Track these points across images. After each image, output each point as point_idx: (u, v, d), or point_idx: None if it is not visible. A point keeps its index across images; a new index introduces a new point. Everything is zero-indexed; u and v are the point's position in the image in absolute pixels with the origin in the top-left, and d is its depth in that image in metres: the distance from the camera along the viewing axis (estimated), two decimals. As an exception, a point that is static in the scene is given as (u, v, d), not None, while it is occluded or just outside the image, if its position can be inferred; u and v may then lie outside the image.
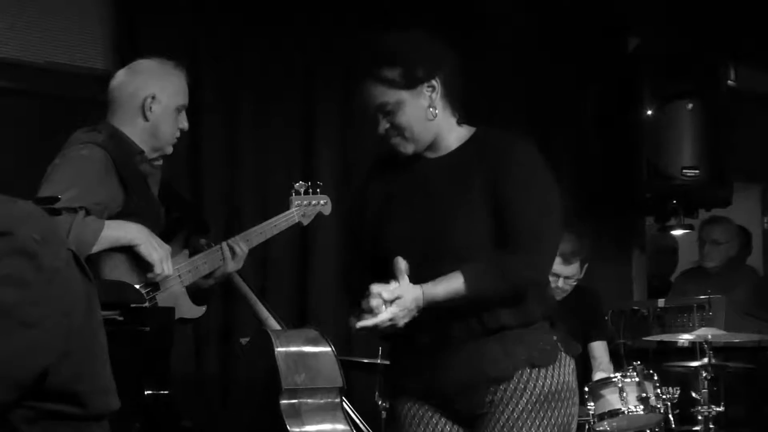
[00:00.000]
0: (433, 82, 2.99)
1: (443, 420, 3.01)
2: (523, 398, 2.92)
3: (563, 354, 3.01)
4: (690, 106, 6.37)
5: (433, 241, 2.93)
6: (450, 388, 2.96)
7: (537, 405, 2.92)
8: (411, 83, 2.97)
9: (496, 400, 2.93)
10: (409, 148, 3.02)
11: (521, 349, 2.93)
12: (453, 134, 3.06)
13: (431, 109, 2.99)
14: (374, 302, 2.84)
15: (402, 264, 2.86)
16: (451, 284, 2.86)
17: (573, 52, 6.73)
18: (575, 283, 5.44)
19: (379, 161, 3.19)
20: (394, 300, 2.84)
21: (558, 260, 5.34)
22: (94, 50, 5.27)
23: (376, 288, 2.85)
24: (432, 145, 3.05)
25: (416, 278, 2.88)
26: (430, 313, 2.88)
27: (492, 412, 2.93)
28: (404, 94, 2.97)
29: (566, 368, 3.01)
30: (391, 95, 2.97)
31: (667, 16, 6.66)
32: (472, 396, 2.95)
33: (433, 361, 2.97)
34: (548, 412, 2.93)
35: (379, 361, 4.73)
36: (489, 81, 6.38)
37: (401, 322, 2.86)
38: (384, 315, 2.84)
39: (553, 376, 2.96)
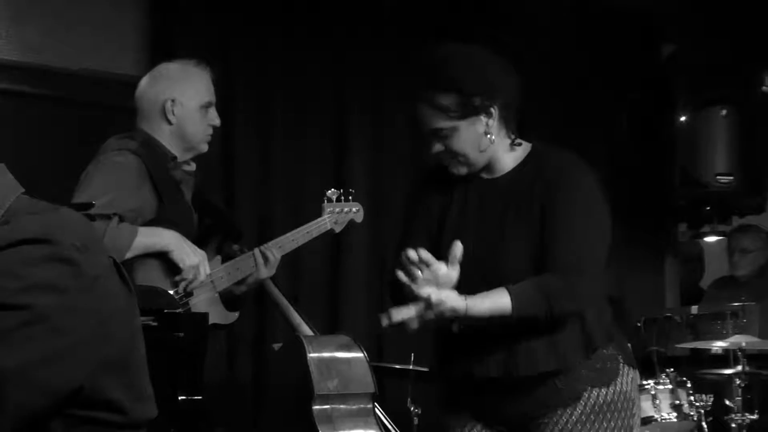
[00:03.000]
0: (491, 109, 2.91)
1: None
2: (577, 409, 2.88)
3: (623, 365, 2.95)
4: (724, 112, 6.34)
5: (484, 264, 2.87)
6: (511, 417, 2.93)
7: (592, 416, 2.87)
8: (467, 113, 2.89)
9: (549, 413, 2.90)
10: (462, 171, 2.97)
11: (582, 374, 2.89)
12: (509, 155, 2.98)
13: (488, 136, 2.92)
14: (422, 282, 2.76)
15: (458, 251, 2.77)
16: (497, 302, 2.78)
17: (608, 60, 6.72)
18: None
19: (435, 171, 3.08)
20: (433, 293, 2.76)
21: None
22: (129, 57, 5.31)
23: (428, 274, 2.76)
24: (488, 167, 2.99)
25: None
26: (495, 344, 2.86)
27: (545, 422, 2.89)
28: (459, 122, 2.89)
29: (625, 378, 2.94)
30: (445, 122, 2.89)
31: (702, 23, 6.63)
32: (529, 421, 2.93)
33: (496, 391, 2.92)
34: (603, 423, 2.88)
35: (411, 367, 4.73)
36: (525, 89, 6.37)
37: (428, 317, 2.77)
38: (411, 310, 2.76)
39: (608, 386, 2.91)
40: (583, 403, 2.88)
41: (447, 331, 2.90)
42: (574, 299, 2.83)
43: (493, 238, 2.90)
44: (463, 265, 2.81)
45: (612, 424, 2.89)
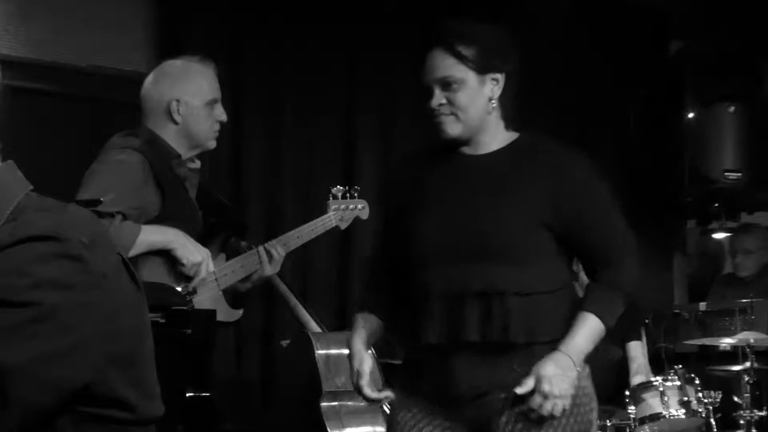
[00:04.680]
0: (500, 76, 2.96)
1: (453, 426, 2.92)
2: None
3: None
4: (732, 108, 6.34)
5: (470, 239, 2.87)
6: (464, 392, 2.87)
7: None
8: (482, 68, 2.93)
9: (507, 406, 2.84)
10: (455, 130, 2.95)
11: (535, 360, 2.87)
12: (498, 136, 3.00)
13: (491, 102, 2.96)
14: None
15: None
16: (590, 330, 2.87)
17: (617, 57, 6.72)
18: None
19: (413, 153, 3.15)
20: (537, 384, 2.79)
21: None
22: (138, 54, 5.33)
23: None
24: (473, 141, 2.98)
25: (441, 273, 2.86)
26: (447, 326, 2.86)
27: (503, 419, 2.84)
28: (471, 75, 2.92)
29: (582, 372, 2.93)
30: (459, 70, 2.91)
31: (710, 20, 6.62)
32: (483, 402, 2.87)
33: (448, 366, 2.89)
34: (563, 419, 2.84)
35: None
36: (534, 85, 6.38)
37: (564, 391, 2.81)
38: (536, 399, 2.79)
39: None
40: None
41: (423, 301, 2.90)
42: (634, 281, 2.99)
43: (483, 214, 2.89)
44: (443, 233, 2.88)
45: (572, 419, 2.87)
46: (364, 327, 3.04)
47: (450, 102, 2.93)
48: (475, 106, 2.94)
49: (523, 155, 2.98)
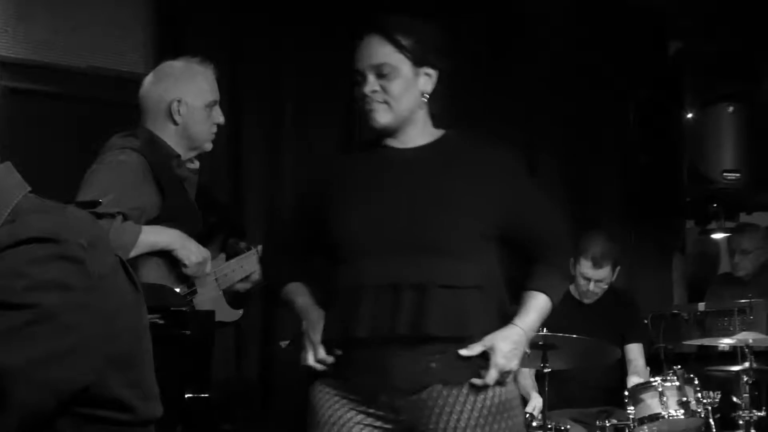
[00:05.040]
0: (433, 72, 2.95)
1: (384, 421, 2.88)
2: (476, 408, 2.83)
3: None
4: (731, 108, 6.33)
5: (409, 232, 2.84)
6: (398, 386, 2.84)
7: (489, 417, 2.84)
8: (418, 60, 2.91)
9: (440, 410, 2.82)
10: (385, 118, 2.92)
11: (467, 362, 2.87)
12: (425, 132, 2.99)
13: (423, 96, 2.95)
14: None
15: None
16: (541, 308, 2.98)
17: (616, 56, 6.73)
18: (606, 287, 5.44)
19: (340, 151, 3.16)
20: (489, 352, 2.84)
21: (588, 264, 5.36)
22: (137, 55, 5.32)
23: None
24: (400, 133, 2.96)
25: (380, 266, 2.83)
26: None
27: (437, 425, 2.82)
28: (407, 65, 2.91)
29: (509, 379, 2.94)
30: (395, 59, 2.89)
31: (709, 20, 6.62)
32: (417, 397, 2.84)
33: (380, 359, 2.84)
34: (502, 423, 2.85)
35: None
36: (529, 87, 6.41)
37: (514, 366, 2.87)
38: (492, 373, 2.83)
39: (505, 385, 2.90)
40: (482, 402, 2.84)
41: (352, 292, 2.87)
42: (568, 264, 3.30)
43: (420, 205, 2.87)
44: (375, 225, 2.86)
45: (510, 422, 2.88)
46: (304, 294, 3.07)
47: (384, 90, 2.90)
48: (407, 97, 2.92)
49: (453, 150, 2.97)
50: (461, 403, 2.83)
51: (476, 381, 2.84)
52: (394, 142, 2.98)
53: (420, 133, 2.98)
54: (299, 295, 3.08)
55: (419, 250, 2.83)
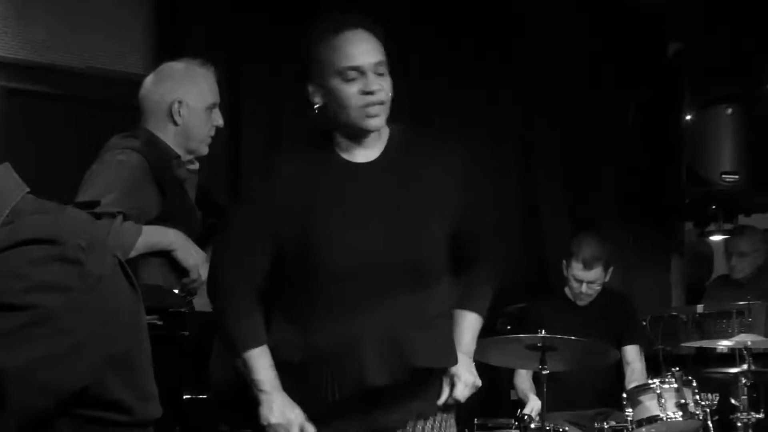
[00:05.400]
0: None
1: None
2: None
3: None
4: (730, 110, 6.33)
5: (392, 254, 2.71)
6: (381, 427, 2.83)
7: None
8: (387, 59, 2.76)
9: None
10: (379, 123, 2.73)
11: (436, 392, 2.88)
12: (384, 133, 2.83)
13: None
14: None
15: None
16: (474, 328, 2.94)
17: (616, 57, 6.73)
18: (599, 288, 5.43)
19: (291, 153, 2.89)
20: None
21: (579, 266, 5.35)
22: (136, 56, 5.32)
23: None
24: (367, 142, 2.79)
25: (357, 289, 2.71)
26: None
27: None
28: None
29: None
30: (383, 56, 2.72)
31: (708, 21, 6.63)
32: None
33: (362, 405, 2.79)
34: None
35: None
36: (529, 89, 6.42)
37: (479, 382, 2.91)
38: (462, 390, 2.86)
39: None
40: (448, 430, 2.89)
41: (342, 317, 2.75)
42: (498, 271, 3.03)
43: (401, 222, 2.73)
44: (364, 245, 2.71)
45: None
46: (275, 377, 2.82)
47: (382, 89, 2.71)
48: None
49: (408, 155, 2.80)
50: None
51: (446, 398, 2.86)
52: (356, 155, 2.80)
53: (382, 134, 2.82)
54: (263, 369, 2.83)
55: (403, 272, 2.74)
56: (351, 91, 2.69)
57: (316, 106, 2.78)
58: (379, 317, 2.72)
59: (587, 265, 5.35)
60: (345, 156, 2.78)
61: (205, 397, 3.23)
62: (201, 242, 3.67)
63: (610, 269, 5.46)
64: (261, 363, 2.80)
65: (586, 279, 5.38)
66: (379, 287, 2.71)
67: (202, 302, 3.64)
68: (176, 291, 3.54)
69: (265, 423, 2.83)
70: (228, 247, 2.86)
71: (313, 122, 2.82)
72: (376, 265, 2.71)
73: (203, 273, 3.58)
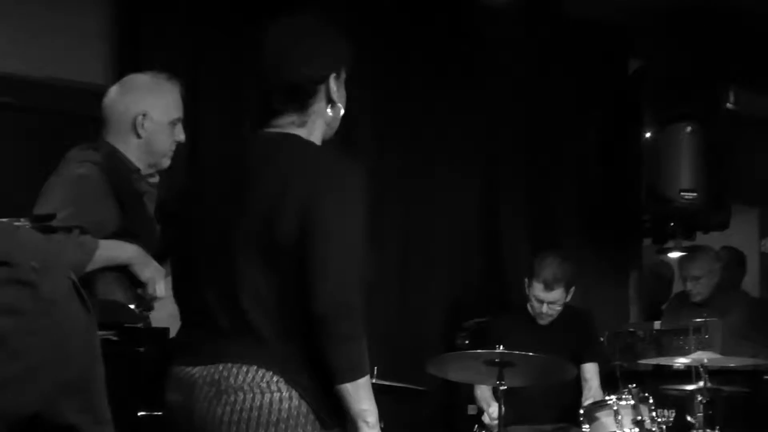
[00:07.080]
0: None
1: None
2: None
3: None
4: (689, 129, 6.38)
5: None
6: None
7: None
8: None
9: None
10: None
11: None
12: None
13: None
14: None
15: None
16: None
17: (575, 74, 6.76)
18: (560, 308, 5.45)
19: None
20: None
21: (540, 286, 5.37)
22: (95, 67, 5.29)
23: None
24: None
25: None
26: None
27: None
28: None
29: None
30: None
31: (668, 40, 6.68)
32: None
33: None
34: None
35: (374, 381, 4.66)
36: (489, 105, 6.43)
37: None
38: None
39: None
40: None
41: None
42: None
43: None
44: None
45: None
46: None
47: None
48: None
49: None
50: None
51: None
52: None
53: None
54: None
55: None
56: (342, 96, 2.93)
57: None
58: None
59: (548, 287, 5.37)
60: None
61: (159, 414, 3.21)
62: (159, 257, 3.64)
63: (572, 290, 5.48)
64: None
65: (546, 300, 5.40)
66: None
67: (158, 317, 3.62)
68: (132, 306, 3.52)
69: None
70: None
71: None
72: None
73: (159, 288, 3.56)
